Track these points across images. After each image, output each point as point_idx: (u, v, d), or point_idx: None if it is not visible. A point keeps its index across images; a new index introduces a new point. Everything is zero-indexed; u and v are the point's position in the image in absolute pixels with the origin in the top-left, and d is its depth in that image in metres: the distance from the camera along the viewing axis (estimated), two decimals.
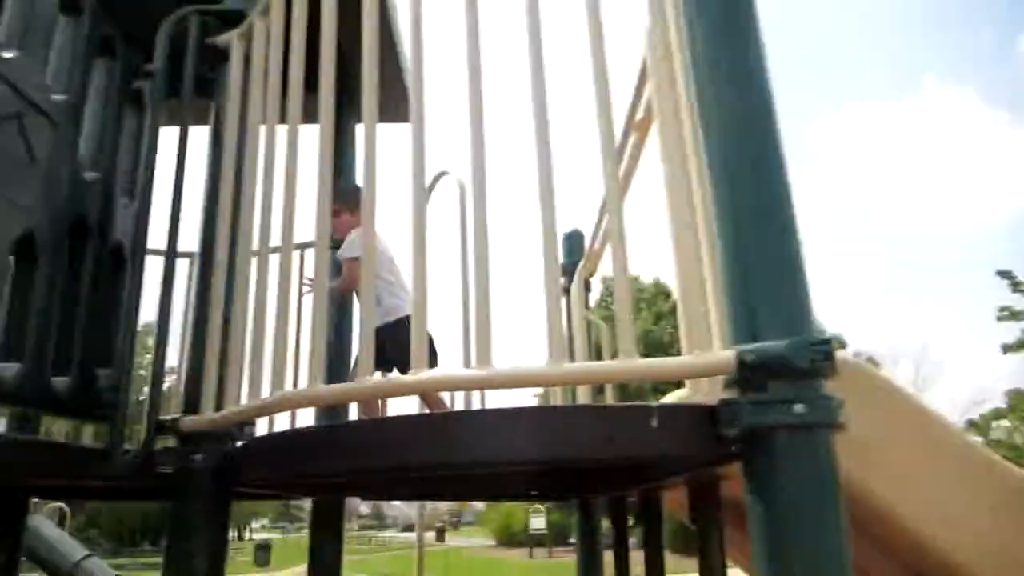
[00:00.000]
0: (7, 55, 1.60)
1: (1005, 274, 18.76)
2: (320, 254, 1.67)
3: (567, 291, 4.59)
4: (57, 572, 8.08)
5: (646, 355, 1.40)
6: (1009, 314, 19.01)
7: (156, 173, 2.13)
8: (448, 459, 1.29)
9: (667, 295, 41.37)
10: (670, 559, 3.46)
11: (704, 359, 1.33)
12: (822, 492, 1.21)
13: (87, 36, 1.96)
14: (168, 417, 1.85)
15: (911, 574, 2.31)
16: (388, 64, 3.56)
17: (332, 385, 1.54)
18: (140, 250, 2.01)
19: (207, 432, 1.84)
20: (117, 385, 1.84)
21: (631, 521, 3.48)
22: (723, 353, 1.30)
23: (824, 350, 1.23)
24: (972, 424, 23.14)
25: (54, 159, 1.75)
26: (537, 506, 31.37)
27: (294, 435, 1.79)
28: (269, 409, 1.73)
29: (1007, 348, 19.49)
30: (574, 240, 4.80)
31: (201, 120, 2.26)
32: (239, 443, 1.90)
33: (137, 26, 2.21)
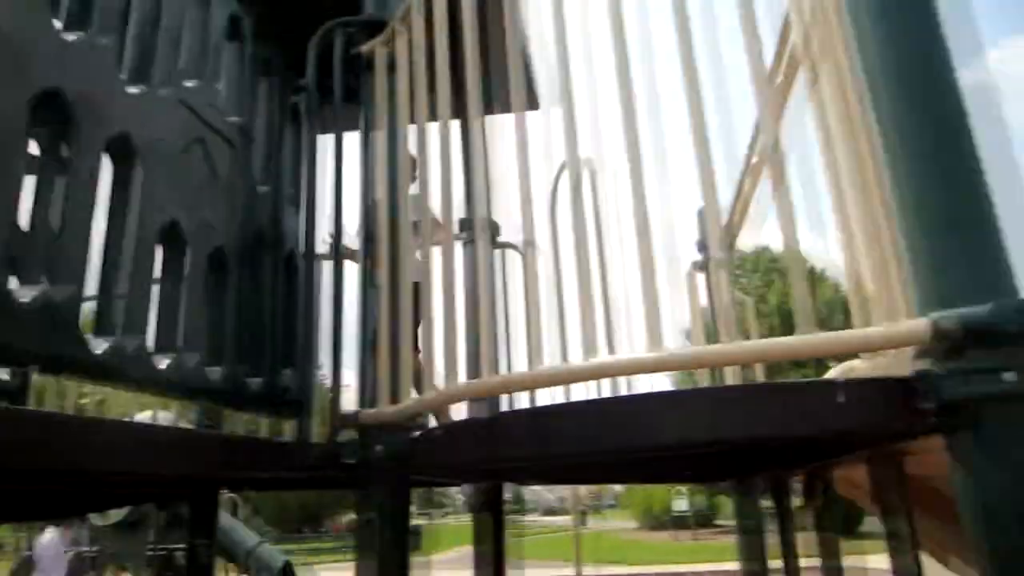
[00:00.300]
0: (189, 84, 1.74)
1: None
2: (482, 244, 1.72)
3: (705, 268, 4.48)
4: (235, 557, 8.83)
5: (783, 330, 1.35)
6: None
7: (317, 181, 2.26)
8: (634, 443, 1.30)
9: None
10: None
11: (895, 329, 1.26)
12: None
13: (250, 59, 2.10)
14: (349, 411, 1.96)
15: None
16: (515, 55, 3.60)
17: (504, 374, 1.59)
18: (310, 255, 2.14)
19: (384, 424, 1.94)
20: (301, 383, 1.98)
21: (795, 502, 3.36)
22: (916, 322, 1.23)
23: None
24: None
25: (234, 177, 1.89)
26: (679, 488, 30.90)
27: (474, 423, 1.85)
28: (445, 400, 1.80)
29: None
30: None
31: (352, 126, 2.38)
32: (414, 433, 1.99)
33: (289, 44, 2.34)
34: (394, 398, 1.92)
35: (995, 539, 1.12)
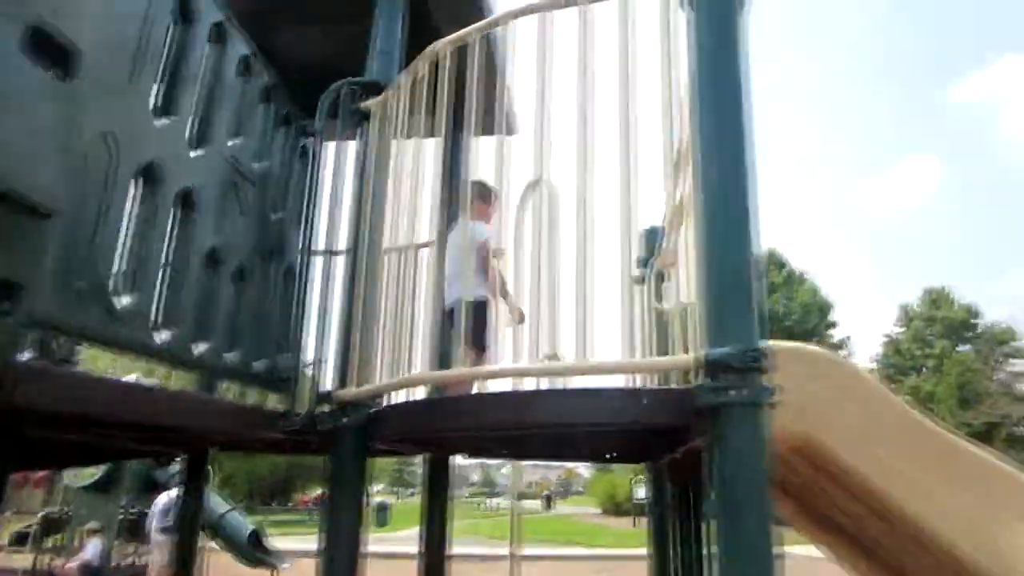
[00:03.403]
0: (230, 143, 2.42)
1: None
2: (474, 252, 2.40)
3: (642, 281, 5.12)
4: (205, 523, 9.56)
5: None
6: None
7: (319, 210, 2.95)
8: (525, 421, 1.96)
9: (781, 265, 39.15)
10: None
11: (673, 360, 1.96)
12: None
13: (274, 114, 2.78)
14: (326, 390, 2.63)
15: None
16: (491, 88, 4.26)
17: (486, 366, 2.28)
18: (304, 265, 2.84)
19: (352, 401, 2.60)
20: (292, 365, 2.68)
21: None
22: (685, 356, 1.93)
23: (756, 355, 1.83)
24: None
25: (254, 210, 2.58)
26: (640, 476, 31.77)
27: (416, 403, 2.52)
28: (401, 385, 2.46)
29: None
30: (654, 237, 5.36)
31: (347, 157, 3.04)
32: (373, 410, 2.64)
33: (303, 97, 3.01)
34: (361, 381, 2.60)
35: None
